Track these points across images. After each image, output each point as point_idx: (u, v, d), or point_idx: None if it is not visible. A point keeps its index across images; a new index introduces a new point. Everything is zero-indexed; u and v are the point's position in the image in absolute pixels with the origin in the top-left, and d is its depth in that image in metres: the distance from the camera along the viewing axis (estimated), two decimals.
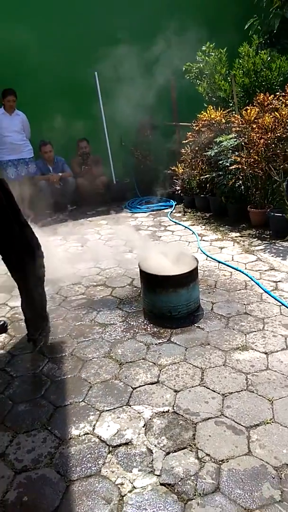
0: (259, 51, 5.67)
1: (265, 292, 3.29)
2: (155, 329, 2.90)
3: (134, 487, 1.70)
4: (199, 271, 3.18)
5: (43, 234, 5.37)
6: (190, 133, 5.70)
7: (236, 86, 5.55)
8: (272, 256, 4.00)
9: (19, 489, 1.74)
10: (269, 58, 5.56)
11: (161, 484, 1.71)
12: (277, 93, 4.72)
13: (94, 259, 4.31)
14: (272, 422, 1.98)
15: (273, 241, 4.38)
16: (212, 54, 5.91)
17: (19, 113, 5.99)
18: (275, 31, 6.18)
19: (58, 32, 6.01)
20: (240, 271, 3.71)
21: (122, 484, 1.72)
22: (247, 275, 3.61)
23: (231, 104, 5.68)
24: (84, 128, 6.39)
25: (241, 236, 4.66)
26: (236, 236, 4.68)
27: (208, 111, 5.40)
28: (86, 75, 6.43)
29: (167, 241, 4.80)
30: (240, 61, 5.69)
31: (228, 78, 5.73)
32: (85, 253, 4.62)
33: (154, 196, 6.76)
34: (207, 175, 5.35)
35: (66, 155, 6.66)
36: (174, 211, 6.13)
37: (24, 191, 6.04)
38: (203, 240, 4.68)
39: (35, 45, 5.90)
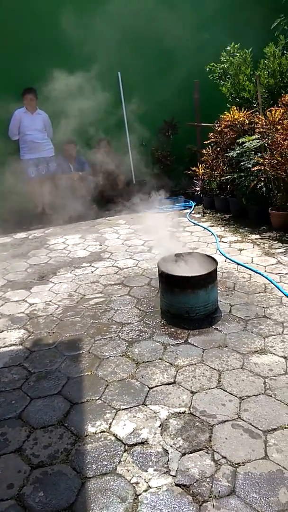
0: (285, 52, 5.59)
1: (285, 295, 3.24)
2: (172, 329, 2.89)
3: (149, 487, 1.70)
4: (218, 272, 3.16)
5: (62, 232, 5.44)
6: (212, 134, 5.67)
7: (261, 87, 5.49)
8: None
9: (35, 484, 1.76)
10: None
11: (177, 485, 1.70)
12: None
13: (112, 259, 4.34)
14: None
15: None
16: (237, 54, 5.86)
17: (40, 112, 6.04)
18: None
19: (82, 29, 6.02)
20: (259, 273, 3.67)
21: (137, 483, 1.72)
22: (267, 278, 3.56)
23: (255, 105, 5.62)
24: (105, 128, 6.42)
25: (261, 239, 4.61)
26: (256, 238, 4.63)
27: (231, 112, 5.36)
28: (109, 75, 6.46)
29: (186, 241, 4.78)
30: (265, 61, 5.63)
31: (253, 78, 5.67)
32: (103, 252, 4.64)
33: (173, 196, 6.75)
34: (228, 176, 5.31)
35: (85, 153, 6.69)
36: (193, 211, 6.11)
37: (44, 189, 6.11)
38: (222, 242, 4.65)
39: (61, 43, 5.97)
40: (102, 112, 6.13)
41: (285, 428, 1.95)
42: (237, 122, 5.30)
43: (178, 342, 2.74)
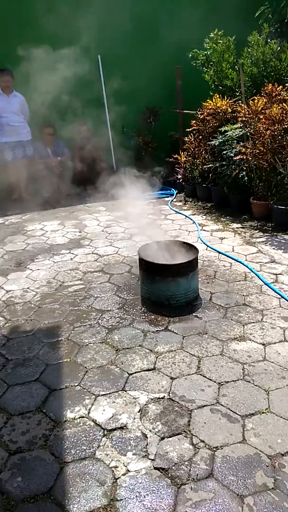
0: (269, 41, 5.58)
1: (265, 284, 3.28)
2: (153, 316, 2.89)
3: (128, 470, 1.71)
4: (198, 261, 3.17)
5: (40, 218, 5.35)
6: (194, 121, 5.63)
7: (244, 75, 5.47)
8: (273, 248, 3.99)
9: (13, 469, 1.74)
10: (278, 48, 5.47)
11: (155, 468, 1.71)
12: (286, 84, 4.66)
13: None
14: (268, 412, 1.98)
15: (274, 233, 4.36)
16: (220, 41, 5.80)
17: (16, 94, 5.81)
18: (286, 20, 6.07)
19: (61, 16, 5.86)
20: (240, 262, 3.69)
21: (116, 467, 1.72)
22: (247, 266, 3.59)
23: (237, 94, 5.61)
24: (85, 112, 6.29)
25: (242, 228, 4.64)
26: (237, 227, 4.66)
27: (214, 100, 5.33)
28: (90, 59, 6.32)
29: (167, 229, 4.77)
30: (248, 50, 5.60)
31: (236, 66, 5.64)
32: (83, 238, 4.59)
33: (154, 183, 6.71)
34: (210, 165, 5.31)
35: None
36: (174, 199, 6.09)
37: (20, 174, 5.97)
38: (204, 230, 4.66)
39: (39, 25, 5.79)
40: (82, 96, 6.01)
41: (263, 413, 1.98)
42: (219, 111, 5.28)
43: (158, 329, 2.74)
